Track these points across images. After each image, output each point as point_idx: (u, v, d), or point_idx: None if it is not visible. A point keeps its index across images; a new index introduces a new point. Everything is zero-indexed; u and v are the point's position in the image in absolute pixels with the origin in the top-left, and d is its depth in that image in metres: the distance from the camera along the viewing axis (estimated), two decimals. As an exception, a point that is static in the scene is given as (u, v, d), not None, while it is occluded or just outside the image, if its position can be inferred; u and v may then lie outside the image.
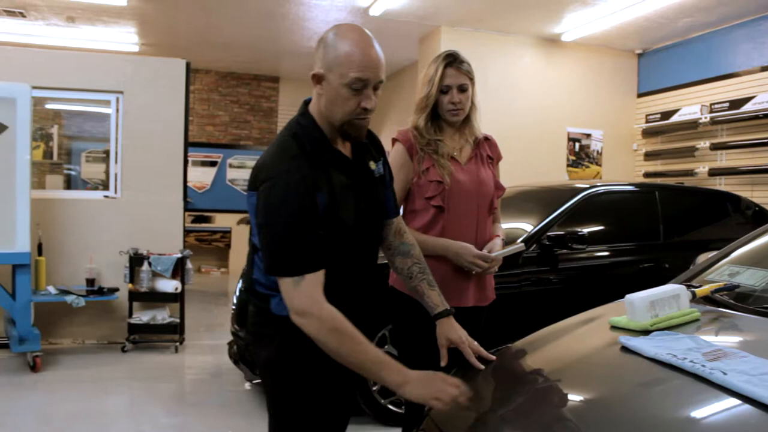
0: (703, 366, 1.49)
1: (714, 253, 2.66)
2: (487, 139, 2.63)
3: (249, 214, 1.79)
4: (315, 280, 1.67)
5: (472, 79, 2.54)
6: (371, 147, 1.94)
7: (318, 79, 1.77)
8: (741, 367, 1.47)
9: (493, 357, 1.92)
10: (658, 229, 4.69)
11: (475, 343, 1.95)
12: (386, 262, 2.11)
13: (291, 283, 1.66)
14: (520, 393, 1.68)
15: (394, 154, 2.51)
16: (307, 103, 1.87)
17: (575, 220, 4.41)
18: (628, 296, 1.94)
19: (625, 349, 1.76)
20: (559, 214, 4.36)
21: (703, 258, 2.75)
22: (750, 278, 2.20)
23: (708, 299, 2.08)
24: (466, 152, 2.55)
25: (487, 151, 2.60)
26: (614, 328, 1.97)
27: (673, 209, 4.87)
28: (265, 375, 1.91)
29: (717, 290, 2.09)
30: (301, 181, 1.68)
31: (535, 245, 4.18)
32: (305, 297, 1.66)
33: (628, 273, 4.47)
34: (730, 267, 2.36)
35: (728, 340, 1.84)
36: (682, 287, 1.99)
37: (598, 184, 4.73)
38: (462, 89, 2.49)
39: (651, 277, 4.44)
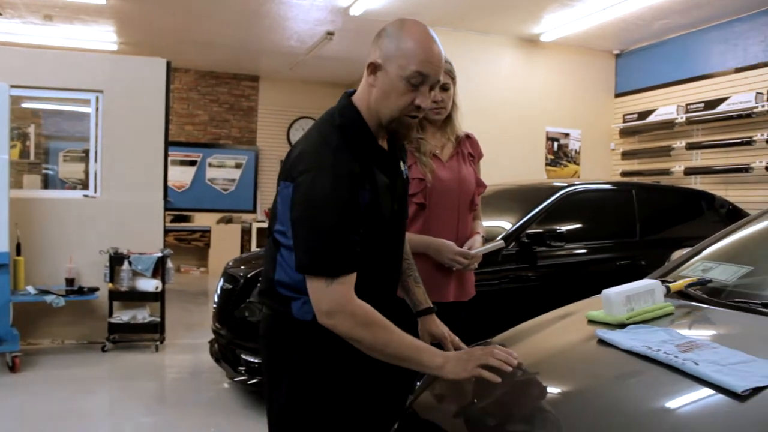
0: (676, 357, 1.54)
1: (688, 249, 2.72)
2: (468, 137, 2.68)
3: (279, 206, 1.69)
4: (349, 282, 1.60)
5: (453, 79, 2.58)
6: (401, 147, 1.90)
7: (374, 68, 1.67)
8: (712, 357, 1.53)
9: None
10: (635, 226, 4.77)
11: (456, 338, 1.97)
12: None
13: (323, 283, 1.59)
14: (500, 386, 1.71)
15: None
16: (349, 95, 1.77)
17: (554, 218, 4.47)
18: (605, 291, 1.99)
19: (602, 342, 1.80)
20: (538, 212, 4.42)
21: (677, 254, 2.82)
22: (722, 273, 2.26)
23: (682, 294, 2.14)
24: (447, 150, 2.59)
25: (468, 149, 2.65)
26: (591, 322, 2.01)
27: (650, 207, 4.96)
28: (278, 384, 1.77)
29: (690, 285, 2.15)
30: (348, 176, 1.59)
31: (514, 243, 4.23)
32: (337, 296, 1.58)
33: (605, 270, 4.53)
34: (703, 263, 2.43)
35: (700, 332, 1.90)
36: (657, 282, 2.05)
37: (576, 182, 4.81)
38: (444, 88, 2.53)
39: (628, 273, 4.51)
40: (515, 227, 4.30)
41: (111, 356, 5.61)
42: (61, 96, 6.21)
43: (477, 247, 2.53)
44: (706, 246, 2.59)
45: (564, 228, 4.30)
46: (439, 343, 1.96)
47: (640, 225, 4.79)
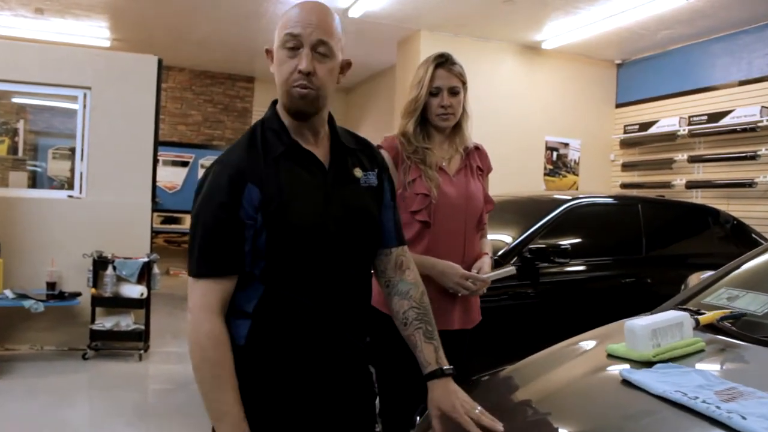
0: (718, 408, 1.36)
1: (708, 273, 2.55)
2: (477, 148, 2.48)
3: None
4: (216, 286, 1.48)
5: (464, 84, 2.39)
6: (362, 155, 1.70)
7: (270, 55, 1.60)
8: (761, 410, 1.34)
9: (500, 427, 1.50)
10: (641, 242, 4.59)
11: (477, 408, 1.54)
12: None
13: (192, 282, 1.50)
14: (512, 428, 1.52)
15: None
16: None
17: (556, 232, 4.29)
18: (628, 323, 1.80)
19: (627, 382, 1.61)
20: (541, 226, 4.22)
21: (695, 279, 2.64)
22: (752, 303, 2.07)
23: (712, 327, 1.94)
24: (455, 163, 2.38)
25: (477, 162, 2.44)
26: (612, 356, 1.82)
27: (656, 223, 4.78)
28: None
29: (723, 318, 1.95)
30: (231, 174, 1.49)
31: (515, 258, 4.04)
32: (196, 297, 1.48)
33: (609, 287, 4.35)
34: (728, 290, 2.24)
35: (740, 375, 1.70)
36: (686, 315, 1.85)
37: (581, 195, 4.61)
38: (453, 92, 2.34)
39: (633, 291, 4.34)
40: (517, 242, 4.10)
41: (92, 364, 5.38)
42: (47, 92, 5.99)
43: (486, 270, 2.31)
44: (729, 271, 2.41)
45: (568, 243, 4.11)
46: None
47: (645, 241, 4.61)
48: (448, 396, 1.58)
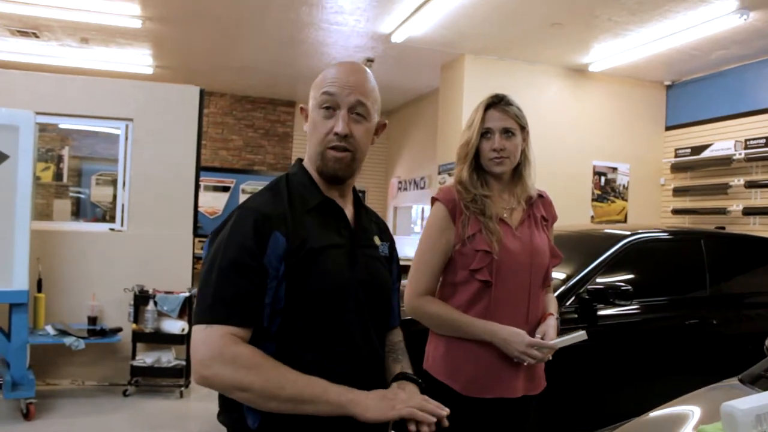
0: None
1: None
2: (540, 196, 2.27)
3: None
4: (233, 332, 1.35)
5: (523, 127, 2.20)
6: (377, 227, 1.70)
7: (305, 114, 1.60)
8: None
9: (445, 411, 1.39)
10: (705, 280, 4.32)
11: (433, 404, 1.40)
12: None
13: (201, 329, 1.35)
14: None
15: (434, 216, 2.15)
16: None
17: (615, 270, 4.05)
18: (726, 405, 1.58)
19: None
20: (599, 264, 3.98)
21: (781, 335, 2.40)
22: None
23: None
24: (517, 214, 2.17)
25: (541, 212, 2.23)
26: (706, 441, 1.61)
27: (720, 258, 4.48)
28: None
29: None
30: (257, 219, 1.41)
31: (573, 299, 3.81)
32: (214, 340, 1.33)
33: (671, 329, 4.08)
34: (827, 356, 2.01)
35: None
36: (795, 397, 1.63)
37: (641, 231, 4.35)
38: (507, 132, 2.14)
39: (697, 334, 4.08)
40: (574, 281, 3.87)
41: (132, 401, 5.26)
42: (90, 124, 5.98)
43: (551, 335, 2.08)
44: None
45: (629, 283, 3.86)
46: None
47: (709, 278, 4.33)
48: (407, 387, 1.52)
